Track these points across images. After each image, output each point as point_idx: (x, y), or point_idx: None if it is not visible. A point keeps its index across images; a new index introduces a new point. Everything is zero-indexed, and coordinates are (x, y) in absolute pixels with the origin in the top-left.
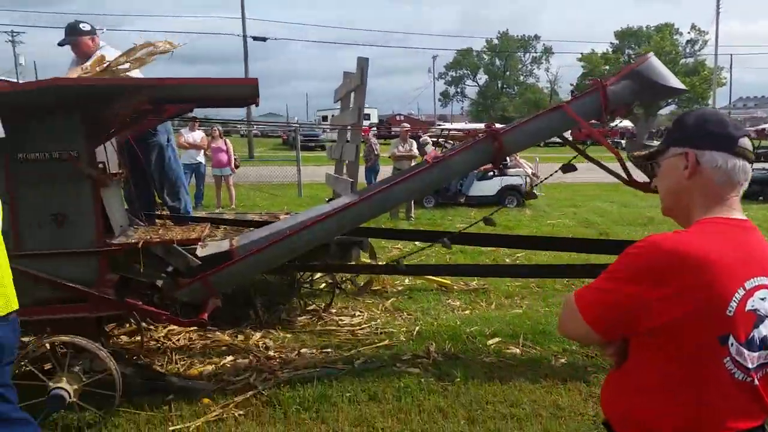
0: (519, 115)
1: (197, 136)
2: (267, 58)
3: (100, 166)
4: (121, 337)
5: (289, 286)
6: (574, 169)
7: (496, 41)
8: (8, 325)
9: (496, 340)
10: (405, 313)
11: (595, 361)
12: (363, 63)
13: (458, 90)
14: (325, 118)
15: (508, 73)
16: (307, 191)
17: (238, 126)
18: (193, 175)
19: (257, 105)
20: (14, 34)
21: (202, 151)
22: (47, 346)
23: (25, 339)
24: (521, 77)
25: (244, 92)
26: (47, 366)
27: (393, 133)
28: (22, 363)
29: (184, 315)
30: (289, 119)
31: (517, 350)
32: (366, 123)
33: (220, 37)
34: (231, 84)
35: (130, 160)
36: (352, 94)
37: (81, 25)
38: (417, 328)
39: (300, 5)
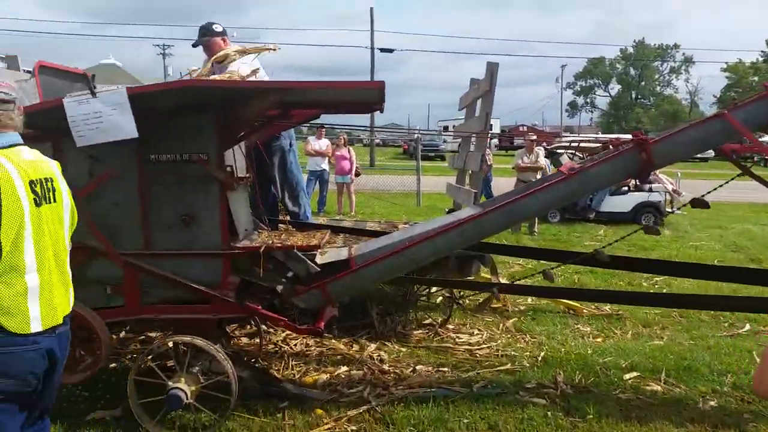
0: (654, 128)
1: (323, 143)
2: (392, 70)
3: (228, 169)
4: (241, 339)
5: (405, 297)
6: (707, 206)
7: (631, 50)
8: (54, 337)
9: (634, 374)
10: (528, 336)
11: (753, 407)
12: (493, 68)
13: (587, 100)
14: (446, 128)
15: (643, 83)
16: (426, 201)
17: (361, 135)
18: (317, 181)
19: (382, 111)
20: (165, 47)
21: (327, 158)
22: (169, 345)
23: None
24: (658, 87)
25: (370, 96)
26: (169, 363)
27: (515, 144)
28: (146, 359)
29: (301, 321)
30: (409, 131)
31: (659, 387)
32: None
33: (349, 50)
34: (357, 87)
35: (257, 165)
36: (479, 101)
37: (213, 26)
38: (542, 353)
39: (428, 15)
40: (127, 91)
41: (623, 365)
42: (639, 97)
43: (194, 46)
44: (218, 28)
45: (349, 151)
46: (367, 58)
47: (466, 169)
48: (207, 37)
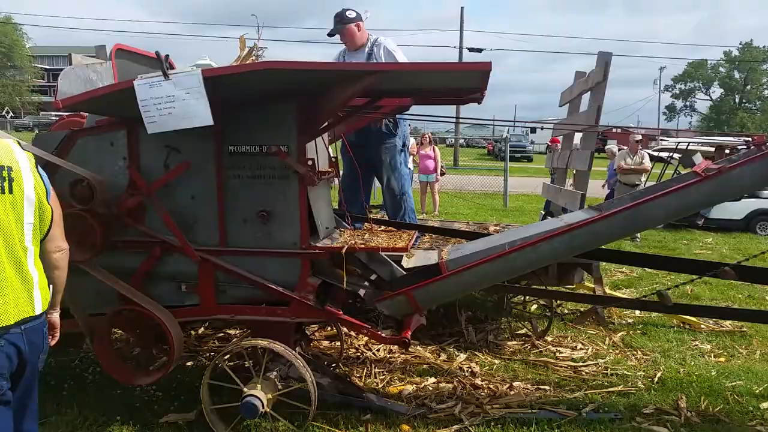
0: (762, 133)
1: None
2: None
3: (309, 163)
4: (322, 342)
5: (498, 303)
6: None
7: (736, 52)
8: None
9: None
10: (639, 353)
11: None
12: (606, 57)
13: (686, 104)
14: (533, 130)
15: (749, 87)
16: (512, 202)
17: (445, 135)
18: None
19: (482, 97)
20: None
21: (411, 157)
22: (244, 349)
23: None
24: (765, 91)
25: (471, 80)
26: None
27: (604, 147)
28: (221, 362)
29: (385, 324)
30: (495, 131)
31: None
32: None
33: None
34: (459, 69)
35: (346, 160)
36: (587, 95)
37: (347, 13)
38: (659, 373)
39: (519, 16)
40: (202, 73)
41: (756, 391)
42: (743, 101)
43: (330, 35)
44: (351, 14)
45: (433, 150)
46: (455, 60)
47: (570, 169)
48: (342, 24)
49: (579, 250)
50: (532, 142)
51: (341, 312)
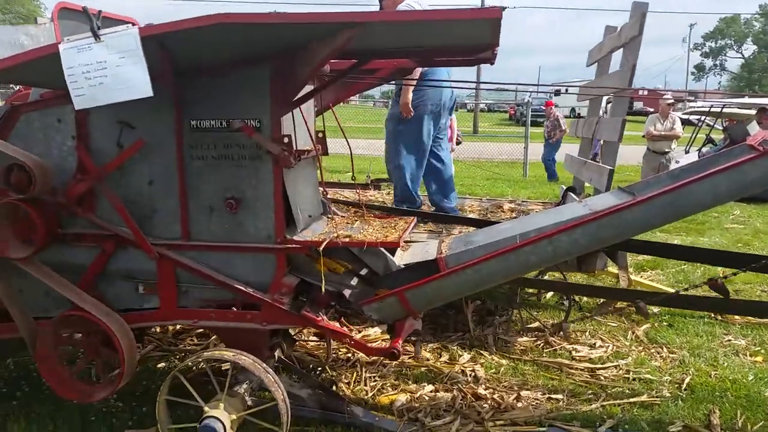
0: None
1: None
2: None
3: (286, 140)
4: (310, 340)
5: (510, 293)
6: None
7: None
8: None
9: None
10: (665, 350)
11: None
12: (642, 9)
13: (716, 63)
14: (557, 93)
15: None
16: (532, 171)
17: (465, 99)
18: None
19: (494, 56)
20: None
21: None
22: (204, 363)
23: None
24: None
25: (478, 33)
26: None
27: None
28: (177, 377)
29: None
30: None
31: None
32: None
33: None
34: (457, 18)
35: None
36: (618, 53)
37: None
38: (687, 378)
39: None
40: (140, 31)
41: None
42: None
43: None
44: None
45: (450, 119)
46: None
47: (598, 138)
48: None
49: (606, 243)
50: (556, 106)
51: (320, 317)
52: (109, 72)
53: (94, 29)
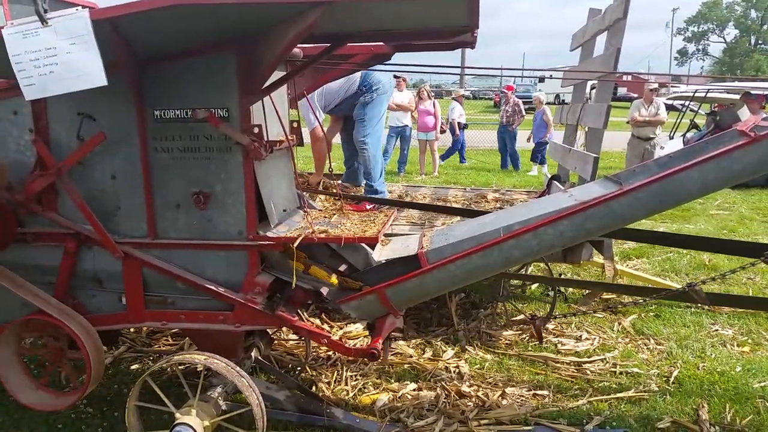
0: None
1: (405, 97)
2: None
3: (256, 131)
4: (290, 339)
5: (494, 286)
6: None
7: None
8: None
9: None
10: (652, 342)
11: None
12: None
13: (699, 47)
14: (542, 80)
15: (765, 26)
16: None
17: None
18: (398, 138)
19: (474, 40)
20: None
21: (410, 113)
22: (174, 368)
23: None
24: None
25: (454, 14)
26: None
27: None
28: (147, 381)
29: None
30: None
31: None
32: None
33: None
34: None
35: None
36: (602, 37)
37: None
38: (675, 371)
39: None
40: (91, 15)
41: None
42: (759, 42)
43: None
44: None
45: (434, 105)
46: None
47: (582, 125)
48: None
49: (593, 235)
50: (540, 91)
51: (295, 317)
52: (59, 59)
53: (39, 12)
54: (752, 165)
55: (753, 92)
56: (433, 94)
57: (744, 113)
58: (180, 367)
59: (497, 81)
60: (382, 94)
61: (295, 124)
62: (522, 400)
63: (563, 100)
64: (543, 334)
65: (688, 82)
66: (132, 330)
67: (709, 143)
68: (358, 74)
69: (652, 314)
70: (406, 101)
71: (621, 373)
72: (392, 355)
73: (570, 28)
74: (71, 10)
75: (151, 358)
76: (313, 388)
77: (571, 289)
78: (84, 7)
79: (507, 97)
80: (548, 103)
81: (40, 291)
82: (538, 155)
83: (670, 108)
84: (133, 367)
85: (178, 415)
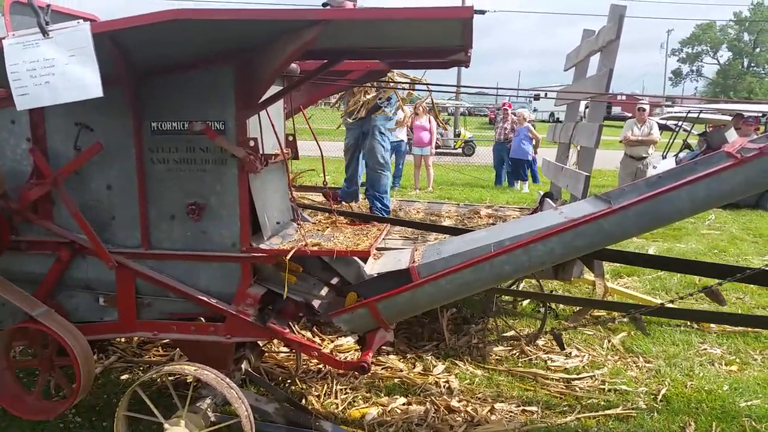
0: None
1: (400, 112)
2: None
3: (252, 144)
4: (280, 351)
5: (486, 301)
6: None
7: (746, 13)
8: None
9: None
10: (641, 360)
11: None
12: (620, 11)
13: (692, 68)
14: (537, 97)
15: (758, 49)
16: None
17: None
18: (393, 153)
19: (468, 59)
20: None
21: (405, 128)
22: (164, 378)
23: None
24: None
25: (449, 34)
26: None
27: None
28: (137, 391)
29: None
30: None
31: None
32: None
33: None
34: (426, 18)
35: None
36: (595, 57)
37: None
38: (663, 389)
39: None
40: (91, 28)
41: None
42: (752, 65)
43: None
44: None
45: (429, 121)
46: None
47: (574, 143)
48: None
49: (582, 252)
50: (535, 110)
51: (286, 329)
52: (56, 70)
53: (41, 24)
54: (740, 185)
55: (747, 115)
56: (429, 109)
57: (731, 135)
58: (170, 378)
59: (492, 98)
60: (394, 104)
61: (290, 138)
62: (511, 416)
63: (557, 119)
64: (532, 351)
65: (681, 102)
66: (123, 340)
67: (698, 164)
68: None
69: (641, 332)
70: (401, 116)
71: (609, 390)
72: (382, 368)
73: (562, 47)
74: (73, 23)
75: (141, 368)
76: (303, 400)
77: (561, 306)
78: (85, 19)
79: (506, 114)
80: (542, 121)
81: (33, 298)
82: (520, 172)
83: (663, 128)
84: (123, 377)
85: (167, 425)
